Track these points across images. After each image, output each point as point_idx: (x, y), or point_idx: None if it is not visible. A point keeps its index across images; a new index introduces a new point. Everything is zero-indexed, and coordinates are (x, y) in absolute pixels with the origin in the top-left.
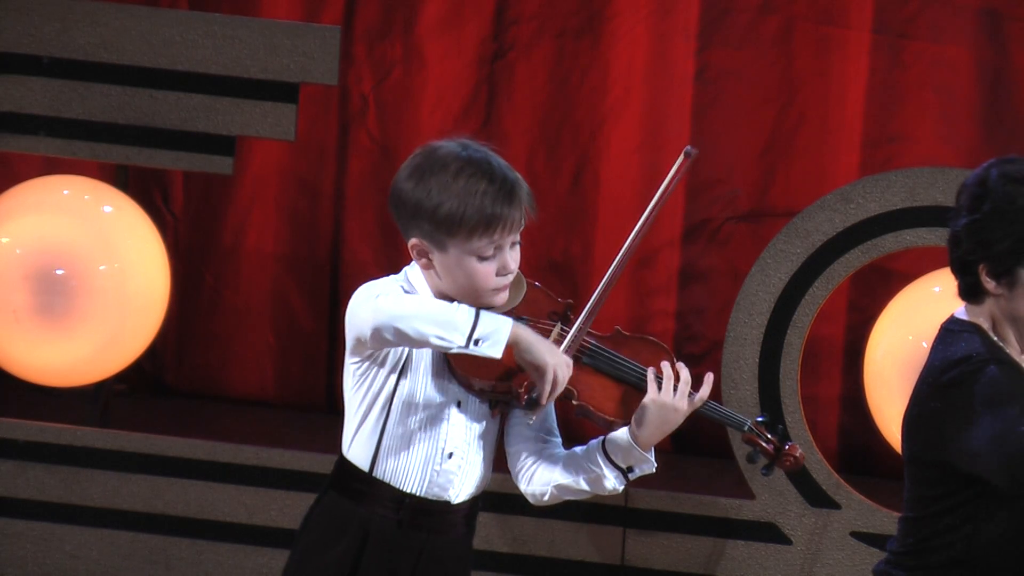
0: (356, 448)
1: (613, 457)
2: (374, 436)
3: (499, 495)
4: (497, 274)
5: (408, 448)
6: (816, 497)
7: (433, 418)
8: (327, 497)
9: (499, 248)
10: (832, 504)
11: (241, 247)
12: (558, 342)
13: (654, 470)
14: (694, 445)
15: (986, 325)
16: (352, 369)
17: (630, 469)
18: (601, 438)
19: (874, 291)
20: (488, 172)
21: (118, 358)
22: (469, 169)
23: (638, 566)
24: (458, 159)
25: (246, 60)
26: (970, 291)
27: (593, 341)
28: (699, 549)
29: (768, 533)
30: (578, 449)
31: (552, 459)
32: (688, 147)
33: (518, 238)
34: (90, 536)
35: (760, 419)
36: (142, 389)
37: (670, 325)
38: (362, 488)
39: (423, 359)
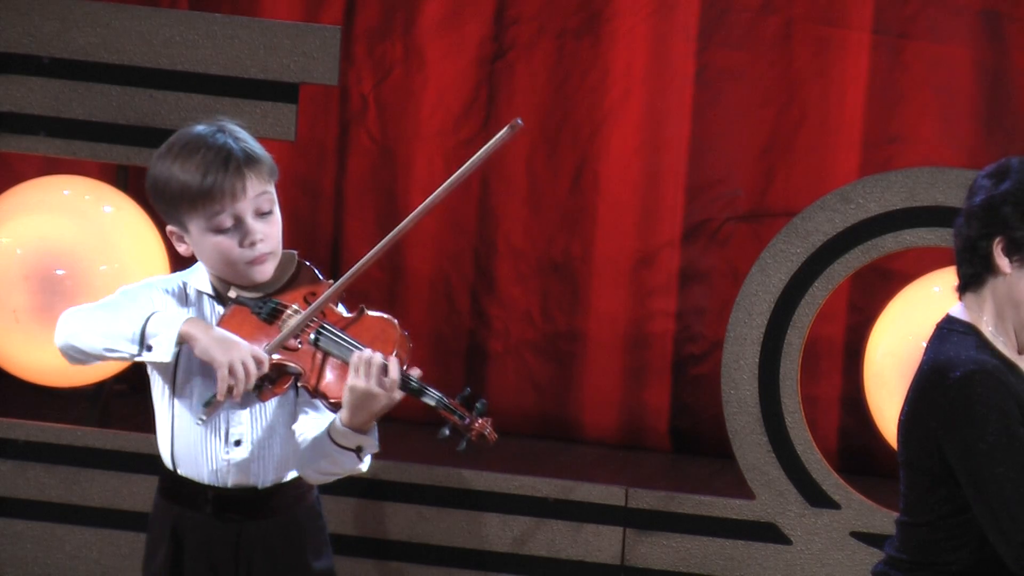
0: (161, 447)
1: (337, 440)
2: (167, 433)
3: (499, 495)
4: (241, 245)
5: (195, 439)
6: (816, 497)
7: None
8: (155, 501)
9: (238, 218)
10: (832, 504)
11: None
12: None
13: (376, 450)
14: (694, 445)
15: (984, 320)
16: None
17: (360, 448)
18: (329, 423)
19: (874, 291)
20: (207, 141)
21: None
22: (193, 143)
23: (638, 566)
24: (187, 135)
25: (246, 60)
26: (973, 278)
27: (327, 323)
28: (699, 549)
29: (768, 533)
30: (318, 433)
31: (305, 443)
32: (517, 119)
33: (268, 208)
34: (90, 536)
35: (460, 395)
36: (142, 389)
37: (670, 325)
38: (172, 487)
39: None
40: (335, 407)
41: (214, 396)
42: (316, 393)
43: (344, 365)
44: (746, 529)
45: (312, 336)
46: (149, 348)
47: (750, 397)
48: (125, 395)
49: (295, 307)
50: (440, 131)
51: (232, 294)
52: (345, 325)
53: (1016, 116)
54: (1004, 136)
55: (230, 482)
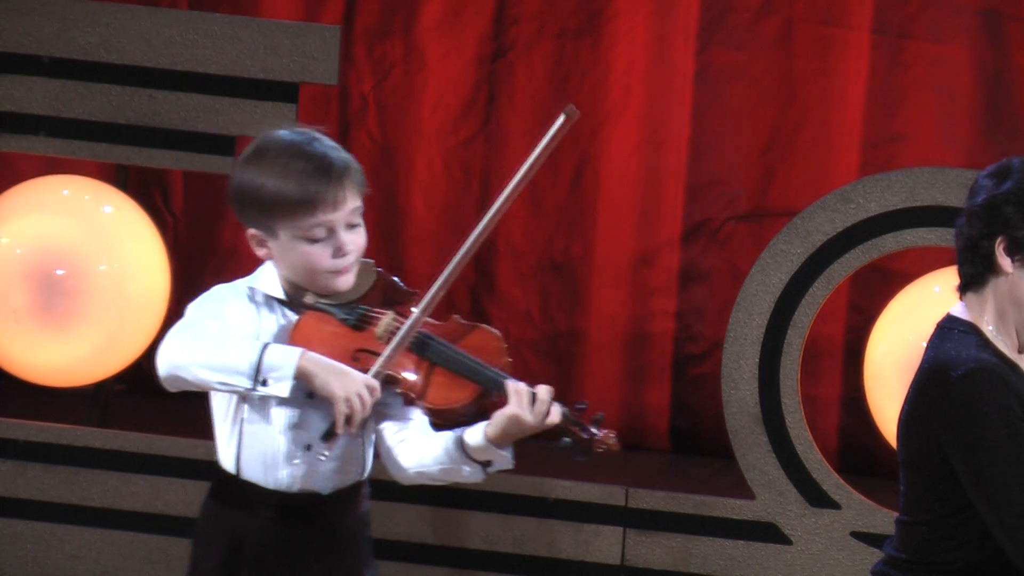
0: (222, 451)
1: (471, 452)
2: (234, 437)
3: (499, 495)
4: (332, 256)
5: (266, 445)
6: (816, 497)
7: (287, 412)
8: (206, 506)
9: (331, 230)
10: (832, 504)
11: (241, 247)
12: (389, 332)
13: (511, 466)
14: (694, 445)
15: (985, 319)
16: None
17: (488, 463)
18: (460, 431)
19: (874, 291)
20: (305, 151)
21: (118, 358)
22: (289, 150)
23: (638, 566)
24: (279, 142)
25: (246, 60)
26: (974, 278)
27: (426, 331)
28: (699, 549)
29: (768, 533)
30: (438, 437)
31: (413, 445)
32: (571, 106)
33: (358, 220)
34: (90, 536)
35: (580, 406)
36: (142, 389)
37: (670, 325)
38: (233, 492)
39: None
40: (436, 415)
41: (332, 429)
42: (418, 402)
43: (448, 374)
44: (746, 529)
45: (414, 345)
46: (264, 383)
47: (750, 397)
48: (125, 395)
49: (392, 315)
50: (440, 131)
51: (309, 300)
52: (447, 334)
53: (1016, 116)
54: (1004, 136)
55: (296, 487)
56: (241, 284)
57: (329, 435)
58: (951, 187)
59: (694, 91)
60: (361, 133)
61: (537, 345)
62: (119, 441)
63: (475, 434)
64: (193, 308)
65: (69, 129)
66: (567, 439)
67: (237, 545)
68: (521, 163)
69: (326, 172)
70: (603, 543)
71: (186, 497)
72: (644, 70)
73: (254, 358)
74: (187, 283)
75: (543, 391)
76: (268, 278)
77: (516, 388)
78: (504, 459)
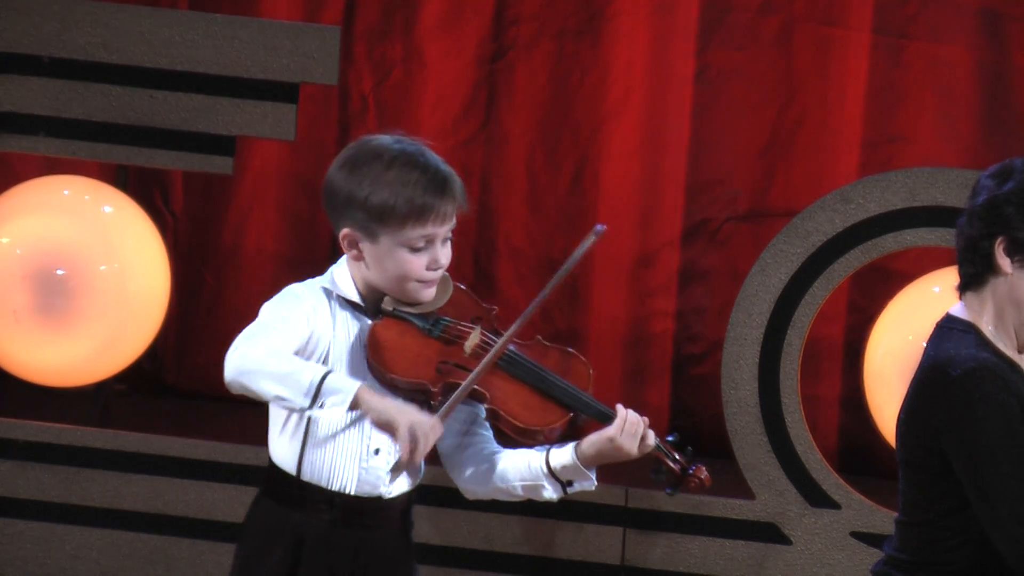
0: (281, 452)
1: (556, 471)
2: (297, 438)
3: None
4: (428, 267)
5: (333, 447)
6: (816, 497)
7: (354, 417)
8: (260, 505)
9: (431, 241)
10: (832, 504)
11: (241, 247)
12: (478, 348)
13: (594, 488)
14: (694, 445)
15: (984, 319)
16: None
17: (570, 483)
18: (545, 449)
19: (874, 291)
20: (421, 163)
21: (118, 358)
22: (402, 159)
23: (638, 566)
24: (391, 150)
25: (246, 60)
26: (974, 278)
27: (515, 350)
28: (699, 549)
29: (768, 533)
30: (518, 454)
31: (490, 461)
32: (599, 226)
33: (450, 235)
34: (90, 536)
35: (670, 438)
36: (142, 389)
37: (670, 325)
38: (292, 492)
39: (342, 353)
40: (522, 433)
41: (398, 462)
42: (506, 420)
43: (537, 394)
44: (746, 529)
45: (503, 363)
46: (321, 405)
47: (750, 397)
48: (125, 395)
49: (480, 330)
50: (440, 131)
51: (388, 305)
52: (535, 355)
53: (1016, 116)
54: (1004, 136)
55: (361, 490)
56: (315, 283)
57: (395, 467)
58: (951, 187)
59: (694, 91)
60: (361, 133)
61: None
62: (119, 441)
63: (564, 454)
64: (267, 309)
65: (69, 129)
66: (660, 471)
67: (298, 546)
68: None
69: (440, 185)
70: (603, 543)
71: (186, 497)
72: (644, 70)
73: (317, 378)
74: (187, 283)
75: (643, 422)
76: (343, 281)
77: (626, 416)
78: (589, 480)
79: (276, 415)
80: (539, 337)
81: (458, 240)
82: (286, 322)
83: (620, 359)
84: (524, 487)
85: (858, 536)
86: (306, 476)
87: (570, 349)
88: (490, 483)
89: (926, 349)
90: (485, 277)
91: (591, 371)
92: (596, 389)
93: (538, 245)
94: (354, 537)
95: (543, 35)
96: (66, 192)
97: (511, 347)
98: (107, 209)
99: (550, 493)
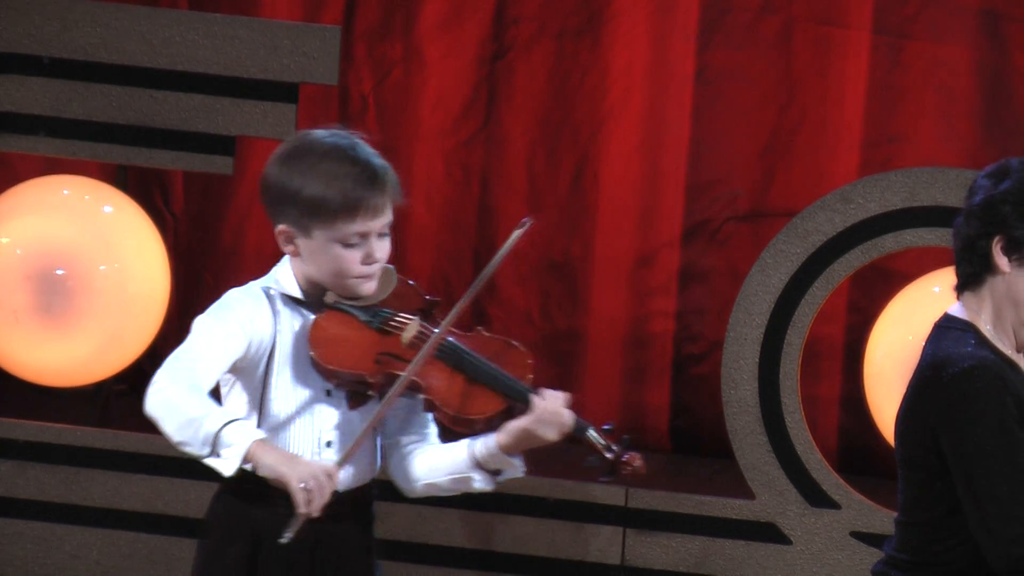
0: None
1: (482, 461)
2: None
3: (499, 495)
4: (362, 262)
5: (285, 442)
6: (816, 497)
7: (305, 409)
8: (220, 500)
9: (365, 236)
10: (832, 504)
11: (241, 247)
12: (415, 339)
13: (522, 474)
14: (694, 445)
15: (982, 319)
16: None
17: (498, 472)
18: (468, 441)
19: (874, 291)
20: (351, 156)
21: (118, 358)
22: (333, 153)
23: (638, 566)
24: (323, 144)
25: (246, 60)
26: (972, 277)
27: (454, 340)
28: (699, 549)
29: (768, 533)
30: (446, 448)
31: (422, 456)
32: (525, 219)
33: (387, 230)
34: (90, 536)
35: (606, 427)
36: (142, 389)
37: (670, 325)
38: (250, 487)
39: (286, 350)
40: (460, 423)
41: (295, 515)
42: (443, 411)
43: (474, 384)
44: (746, 529)
45: (441, 353)
46: (218, 455)
47: (750, 397)
48: (125, 395)
49: (419, 321)
50: (440, 131)
51: (330, 299)
52: (474, 345)
53: (1016, 116)
54: (1004, 136)
55: None
56: (255, 286)
57: (295, 522)
58: (951, 187)
59: (694, 91)
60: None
61: (537, 345)
62: (119, 441)
63: (487, 443)
64: (198, 325)
65: (69, 129)
66: (593, 458)
67: (258, 541)
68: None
69: (371, 179)
70: (603, 543)
71: (186, 497)
72: (644, 70)
73: (215, 428)
74: (187, 283)
75: (559, 401)
76: (285, 277)
77: (540, 402)
78: (515, 467)
79: (237, 410)
80: (480, 328)
81: (458, 239)
82: (210, 346)
83: (620, 359)
84: (453, 479)
85: (858, 536)
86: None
87: (510, 339)
88: (422, 479)
89: (924, 349)
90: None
91: (530, 360)
92: (595, 389)
93: (538, 245)
94: (311, 531)
95: (543, 35)
96: (66, 192)
97: (449, 337)
98: (107, 209)
99: (480, 484)
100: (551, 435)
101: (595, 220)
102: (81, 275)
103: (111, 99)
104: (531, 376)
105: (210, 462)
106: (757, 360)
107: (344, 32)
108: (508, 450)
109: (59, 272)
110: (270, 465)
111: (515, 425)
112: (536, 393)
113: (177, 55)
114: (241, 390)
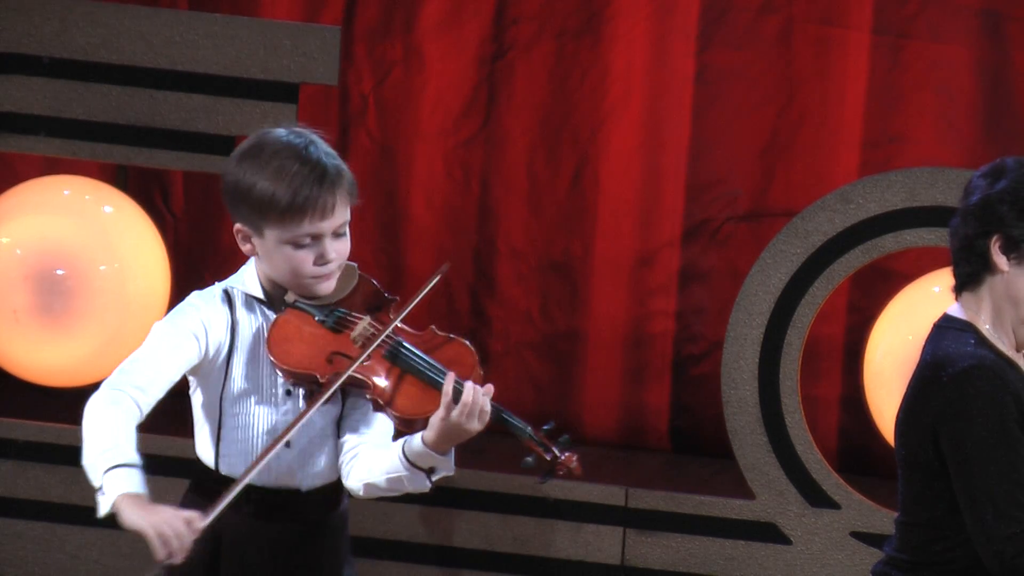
0: (201, 447)
1: (412, 459)
2: (213, 432)
3: (499, 495)
4: (315, 263)
5: (246, 441)
6: (816, 497)
7: (264, 408)
8: (186, 500)
9: (317, 237)
10: (832, 504)
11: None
12: (364, 338)
13: (452, 472)
14: (694, 445)
15: (981, 318)
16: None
17: (432, 470)
18: (402, 440)
19: (874, 291)
20: (303, 155)
21: (118, 358)
22: (285, 151)
23: (638, 566)
24: (276, 142)
25: (246, 60)
26: (970, 277)
27: (401, 339)
28: (699, 549)
29: (768, 533)
30: (383, 448)
31: (364, 457)
32: (444, 265)
33: (344, 229)
34: (90, 536)
35: (545, 427)
36: None
37: (670, 325)
38: (213, 487)
39: (246, 351)
40: (404, 423)
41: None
42: (387, 410)
43: (418, 383)
44: (746, 529)
45: (387, 352)
46: (101, 493)
47: (750, 397)
48: None
49: (368, 320)
50: (440, 131)
51: (290, 298)
52: (421, 344)
53: (1016, 116)
54: (1004, 136)
55: (276, 483)
56: (216, 288)
57: (151, 568)
58: (951, 187)
59: (694, 91)
60: (361, 133)
61: (537, 345)
62: None
63: (415, 441)
64: (155, 332)
65: (69, 129)
66: (529, 458)
67: (218, 540)
68: None
69: (319, 179)
70: (603, 543)
71: None
72: (644, 70)
73: (101, 473)
74: (187, 283)
75: (472, 391)
76: (249, 276)
77: (445, 390)
78: (445, 464)
79: (196, 407)
80: (433, 327)
81: (458, 239)
82: (159, 354)
83: (620, 359)
84: (389, 479)
85: (858, 536)
86: (224, 470)
87: (459, 337)
88: (362, 479)
89: (924, 348)
90: (485, 277)
91: (477, 359)
92: (595, 389)
93: (538, 245)
94: (272, 530)
95: (543, 35)
96: (66, 192)
97: (398, 337)
98: (107, 209)
99: (415, 483)
100: (473, 426)
101: (595, 220)
102: (81, 275)
103: (111, 99)
104: (479, 374)
105: (98, 498)
106: (757, 360)
107: (344, 32)
108: (434, 446)
109: (59, 272)
110: (129, 521)
111: (435, 419)
112: (451, 382)
113: (177, 55)
114: (203, 391)
